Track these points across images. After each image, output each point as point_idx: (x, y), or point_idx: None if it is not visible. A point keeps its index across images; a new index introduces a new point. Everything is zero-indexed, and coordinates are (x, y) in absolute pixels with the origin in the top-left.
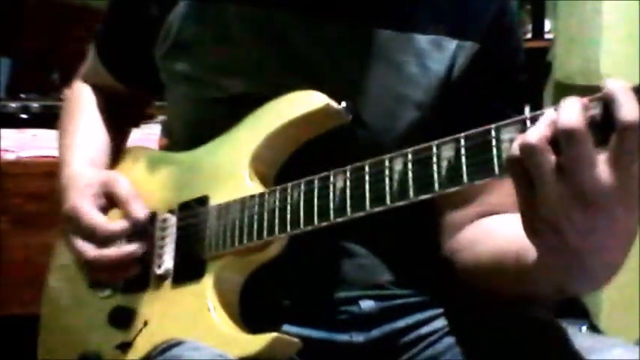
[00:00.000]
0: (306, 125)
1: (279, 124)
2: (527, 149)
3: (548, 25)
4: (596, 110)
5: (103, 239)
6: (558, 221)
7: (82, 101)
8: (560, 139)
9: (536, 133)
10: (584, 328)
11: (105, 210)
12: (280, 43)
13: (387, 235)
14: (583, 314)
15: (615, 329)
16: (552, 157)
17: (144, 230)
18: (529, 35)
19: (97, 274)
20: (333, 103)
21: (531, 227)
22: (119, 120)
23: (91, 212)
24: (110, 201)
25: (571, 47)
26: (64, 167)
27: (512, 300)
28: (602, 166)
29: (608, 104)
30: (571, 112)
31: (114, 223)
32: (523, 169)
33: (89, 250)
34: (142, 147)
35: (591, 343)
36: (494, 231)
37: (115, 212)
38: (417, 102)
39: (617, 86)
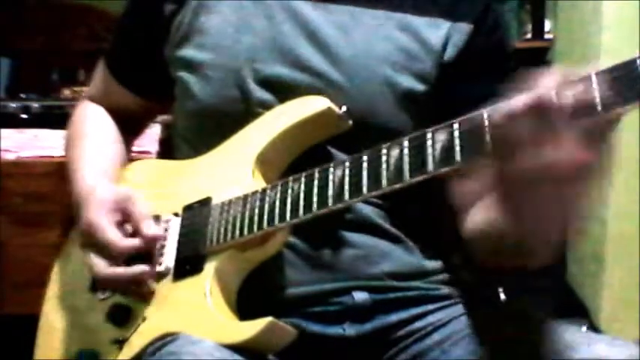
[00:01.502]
0: (308, 128)
1: (283, 128)
2: (509, 116)
3: (548, 25)
4: (569, 92)
5: (116, 256)
6: (528, 189)
7: (91, 118)
8: (540, 108)
9: (519, 102)
10: (584, 328)
11: (119, 224)
12: (286, 22)
13: (384, 223)
14: (583, 314)
15: (615, 329)
16: (530, 126)
17: (153, 247)
18: (529, 35)
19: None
20: (335, 107)
21: (502, 193)
22: (126, 134)
23: (107, 229)
24: (124, 216)
25: (571, 47)
26: (77, 181)
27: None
28: (573, 142)
29: (584, 87)
30: (548, 85)
31: (127, 240)
32: (504, 136)
33: (101, 266)
34: (145, 158)
35: (575, 339)
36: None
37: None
38: (416, 72)
39: (589, 70)
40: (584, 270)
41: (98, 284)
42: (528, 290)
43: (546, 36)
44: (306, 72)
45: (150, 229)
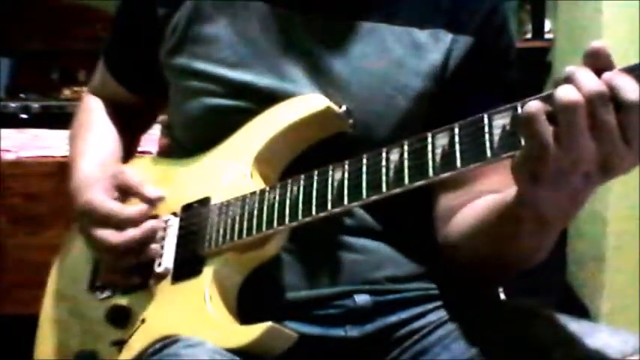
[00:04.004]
0: (307, 128)
1: (282, 127)
2: (566, 106)
3: (548, 25)
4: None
5: (120, 224)
6: (565, 170)
7: (93, 112)
8: (594, 101)
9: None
10: None
11: (119, 202)
12: (282, 36)
13: (384, 227)
14: (583, 314)
15: None
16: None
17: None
18: (529, 35)
19: (113, 267)
20: (334, 106)
21: (532, 173)
22: (129, 129)
23: (105, 201)
24: (123, 193)
25: (571, 47)
26: (75, 173)
27: (497, 260)
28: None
29: (610, 86)
30: (593, 80)
31: (130, 207)
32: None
33: (110, 236)
34: (144, 156)
35: (576, 328)
36: (474, 201)
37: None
38: (416, 90)
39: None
40: (584, 270)
41: (106, 261)
42: (528, 290)
43: (546, 36)
44: (301, 88)
45: (153, 191)
